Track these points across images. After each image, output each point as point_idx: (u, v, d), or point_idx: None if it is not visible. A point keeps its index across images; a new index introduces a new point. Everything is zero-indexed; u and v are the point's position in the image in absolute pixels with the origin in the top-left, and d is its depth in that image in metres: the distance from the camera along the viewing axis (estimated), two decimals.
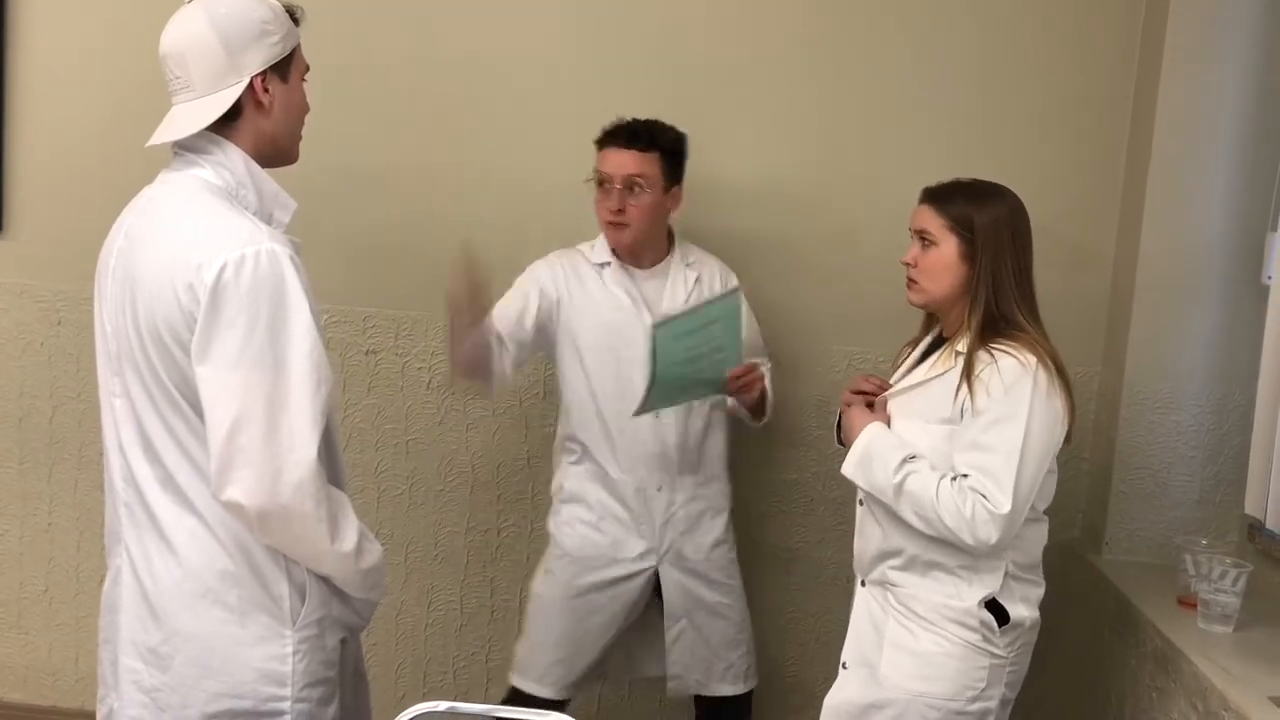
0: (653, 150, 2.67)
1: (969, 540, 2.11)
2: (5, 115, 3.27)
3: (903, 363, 2.39)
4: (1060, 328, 3.03)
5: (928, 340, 2.34)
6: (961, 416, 2.15)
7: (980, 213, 2.20)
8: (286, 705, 1.87)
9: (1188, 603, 2.58)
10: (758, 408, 2.79)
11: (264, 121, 1.90)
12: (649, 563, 2.77)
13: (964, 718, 2.19)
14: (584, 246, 2.81)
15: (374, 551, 1.93)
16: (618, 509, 2.76)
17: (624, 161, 2.66)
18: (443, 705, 1.86)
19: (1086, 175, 3.08)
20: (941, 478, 2.14)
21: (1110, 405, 3.02)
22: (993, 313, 2.18)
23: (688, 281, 2.77)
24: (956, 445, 2.15)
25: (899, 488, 2.16)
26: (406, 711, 1.84)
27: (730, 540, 2.88)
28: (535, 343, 2.76)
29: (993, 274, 2.19)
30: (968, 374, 2.15)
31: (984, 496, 2.10)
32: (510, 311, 2.70)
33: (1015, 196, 2.26)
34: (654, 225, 2.72)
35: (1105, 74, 3.05)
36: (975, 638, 2.19)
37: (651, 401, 2.56)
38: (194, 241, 1.79)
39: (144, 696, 1.90)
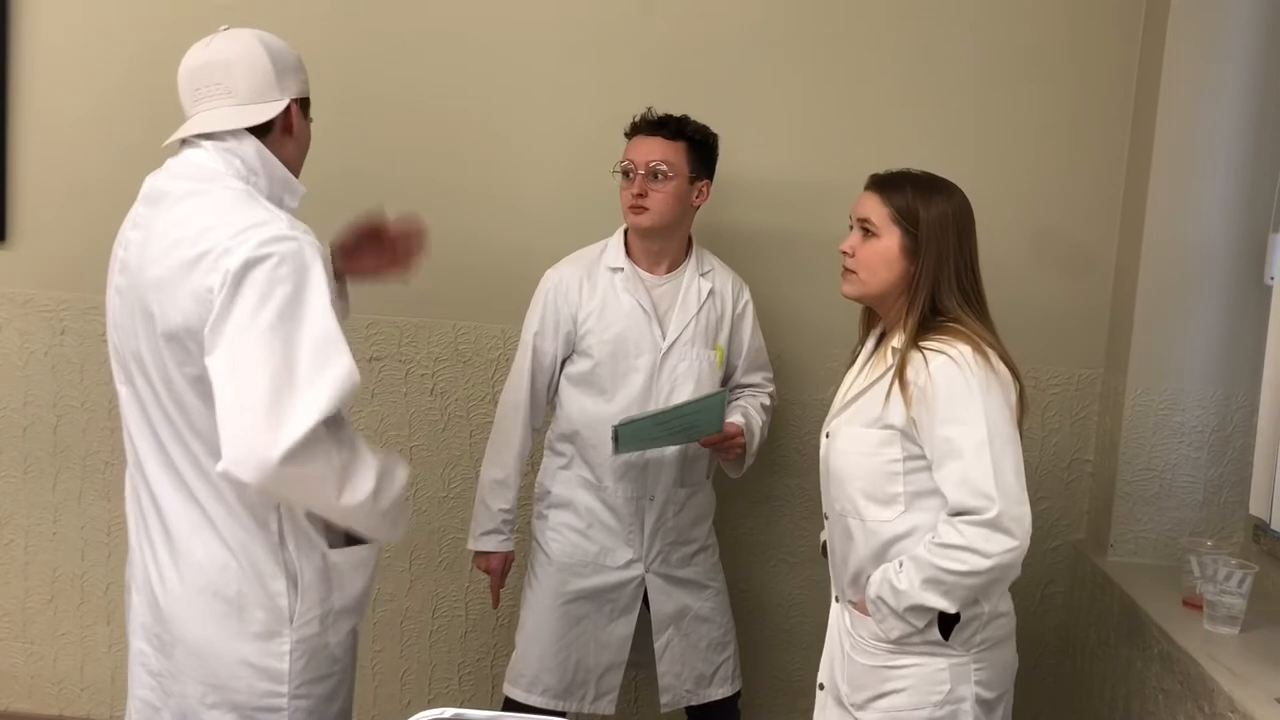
0: (679, 139, 2.68)
1: (990, 562, 1.97)
2: (8, 124, 3.27)
3: (850, 364, 2.30)
4: (1063, 330, 3.07)
5: (872, 343, 2.25)
6: (896, 425, 2.07)
7: (927, 208, 2.11)
8: (284, 702, 1.89)
9: (1193, 604, 2.58)
10: (734, 462, 2.80)
11: (288, 144, 1.98)
12: (636, 571, 2.77)
13: None
14: (599, 246, 2.80)
15: (392, 488, 1.92)
16: (608, 517, 2.75)
17: (649, 148, 2.67)
18: (449, 712, 1.86)
19: (1088, 176, 3.08)
20: (923, 543, 2.04)
21: (1114, 407, 3.02)
22: (925, 309, 2.09)
23: (700, 293, 2.75)
24: (931, 466, 2.05)
25: (915, 598, 2.02)
26: (413, 718, 1.83)
27: (713, 544, 2.89)
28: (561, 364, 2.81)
29: (935, 273, 2.09)
30: (900, 376, 2.07)
31: (968, 513, 1.99)
32: (537, 387, 2.78)
33: (962, 193, 2.17)
34: (675, 214, 2.69)
35: (1107, 75, 3.05)
36: (923, 648, 2.09)
37: (618, 452, 2.64)
38: (212, 234, 1.80)
39: (151, 680, 1.93)
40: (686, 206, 2.71)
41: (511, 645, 2.86)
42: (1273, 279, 2.76)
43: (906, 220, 2.11)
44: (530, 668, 2.78)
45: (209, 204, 1.85)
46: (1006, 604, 2.16)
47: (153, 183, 1.95)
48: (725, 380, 2.84)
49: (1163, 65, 2.86)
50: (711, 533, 2.89)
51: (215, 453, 1.78)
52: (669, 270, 2.76)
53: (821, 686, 2.27)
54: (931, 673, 2.08)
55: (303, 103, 2.01)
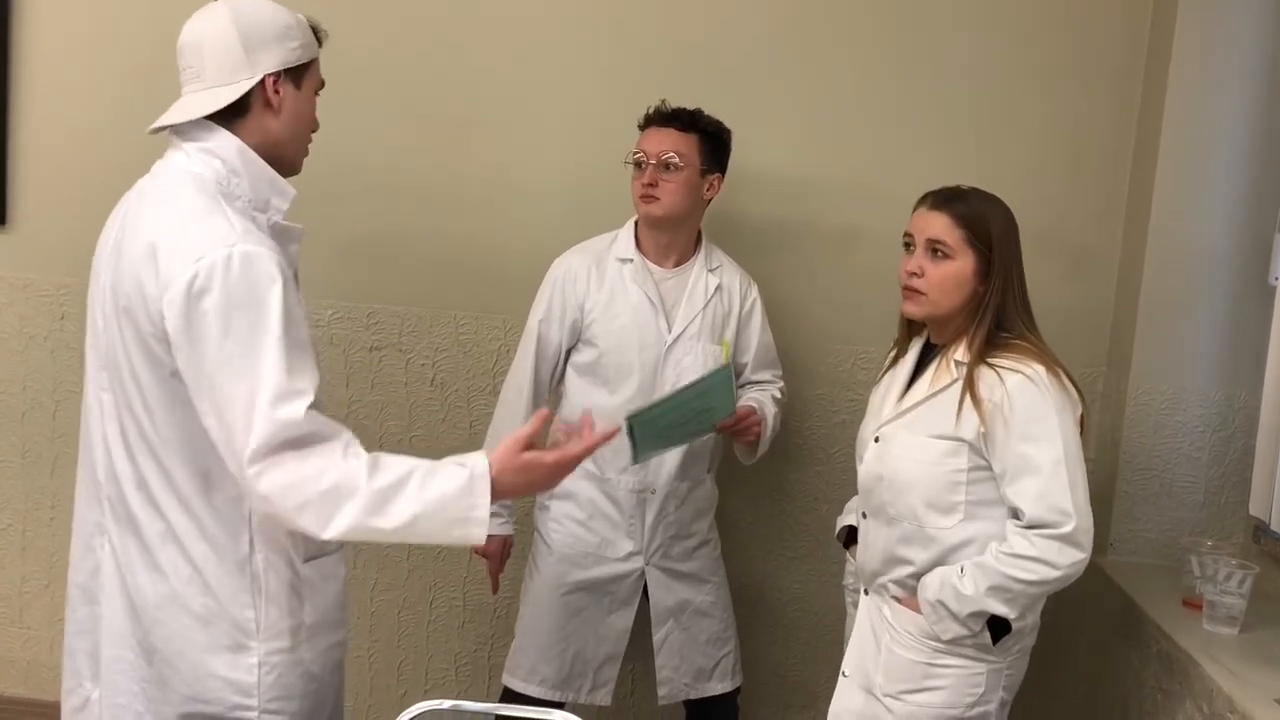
0: (691, 131, 2.68)
1: (1059, 573, 2.06)
2: (8, 108, 3.26)
3: (889, 368, 2.35)
4: (1066, 329, 3.05)
5: (917, 349, 2.30)
6: (967, 438, 2.12)
7: (995, 227, 2.15)
8: (254, 715, 1.87)
9: (1193, 604, 2.57)
10: (751, 446, 2.78)
11: (271, 122, 1.89)
12: (636, 564, 2.77)
13: None
14: (608, 237, 2.80)
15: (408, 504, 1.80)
16: (610, 509, 2.75)
17: (661, 139, 2.67)
18: (446, 703, 1.86)
19: (1093, 176, 3.07)
20: (990, 551, 2.10)
21: (1115, 406, 3.02)
22: (990, 325, 2.14)
23: (708, 289, 2.75)
24: (1001, 479, 2.11)
25: (979, 604, 2.09)
26: (410, 709, 1.83)
27: (714, 539, 2.88)
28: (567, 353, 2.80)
29: (1003, 292, 2.15)
30: (971, 391, 2.11)
31: (1044, 526, 2.06)
32: (540, 375, 2.76)
33: (1005, 204, 2.22)
34: (686, 206, 2.69)
35: (1112, 76, 3.04)
36: (970, 651, 2.16)
37: (639, 457, 2.52)
38: (166, 245, 1.76)
39: (135, 686, 1.91)
40: (697, 199, 2.71)
41: (509, 635, 2.86)
42: (1277, 280, 2.76)
43: (981, 242, 2.15)
44: (529, 658, 2.78)
45: (168, 213, 1.81)
46: (1038, 617, 2.26)
47: (139, 185, 1.93)
48: (735, 378, 2.82)
49: (1169, 66, 2.85)
50: (713, 528, 2.88)
51: (180, 461, 1.80)
52: (677, 264, 2.76)
53: (845, 675, 2.31)
54: (971, 675, 2.17)
55: (296, 71, 1.90)
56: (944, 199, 2.19)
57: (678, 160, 2.65)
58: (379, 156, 3.19)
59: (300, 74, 1.92)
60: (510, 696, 2.79)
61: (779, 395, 2.88)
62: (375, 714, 3.38)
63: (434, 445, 3.28)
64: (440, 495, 1.77)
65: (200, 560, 1.84)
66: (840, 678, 2.32)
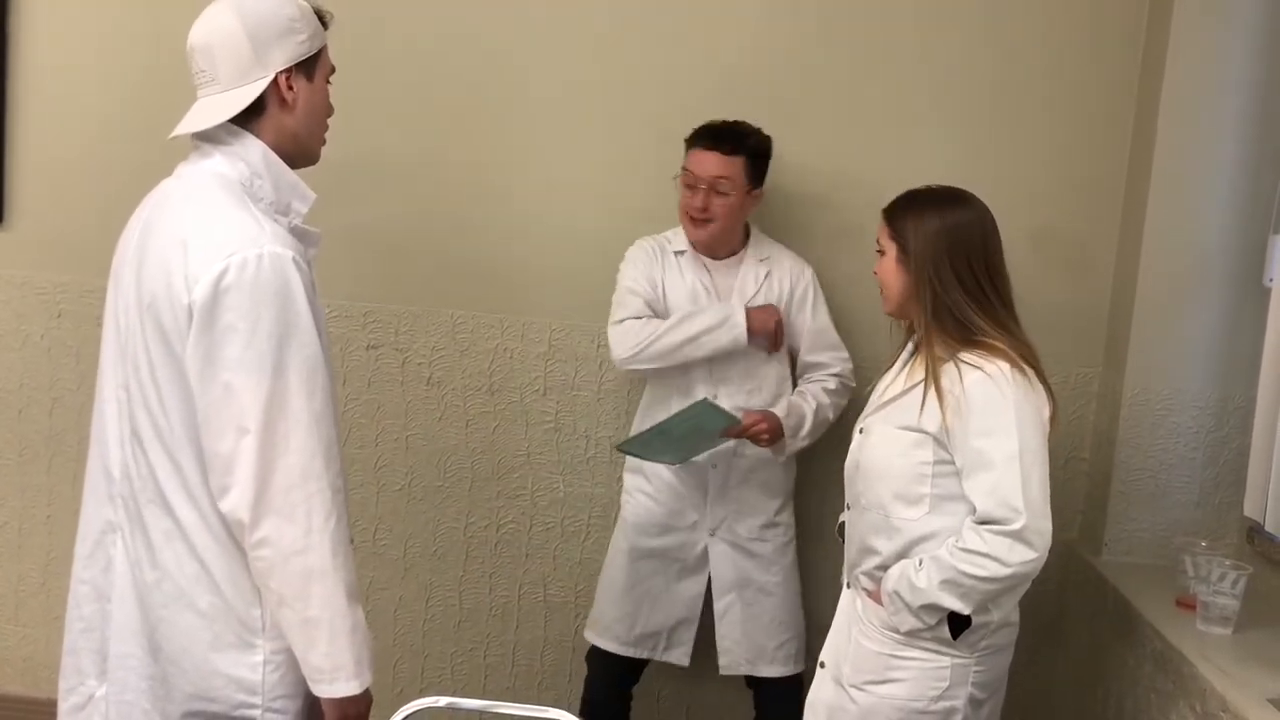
0: (739, 154, 2.76)
1: (1008, 570, 2.06)
2: (6, 107, 3.26)
3: (890, 365, 2.38)
4: (1061, 328, 3.06)
5: (909, 349, 2.33)
6: (930, 431, 2.13)
7: (918, 219, 2.18)
8: (257, 714, 1.87)
9: (1187, 604, 2.58)
10: (771, 447, 2.83)
11: (287, 118, 1.90)
12: (701, 534, 2.88)
13: (927, 717, 2.17)
14: (670, 233, 2.91)
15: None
16: (674, 480, 2.87)
17: (710, 163, 2.75)
18: (442, 701, 1.86)
19: (1089, 176, 3.08)
20: (946, 545, 2.11)
21: (1110, 406, 3.02)
22: (947, 322, 2.16)
23: (758, 276, 2.87)
24: (961, 474, 2.12)
25: (931, 597, 2.10)
26: (405, 707, 1.84)
27: (785, 524, 2.95)
28: None
29: (934, 282, 2.15)
30: (936, 385, 2.14)
31: (994, 522, 2.07)
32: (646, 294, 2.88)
33: (975, 202, 2.21)
34: (733, 224, 2.82)
35: (1109, 75, 3.04)
36: (931, 645, 2.17)
37: (655, 460, 2.84)
38: (195, 241, 1.78)
39: (142, 683, 1.91)
40: (742, 214, 2.83)
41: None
42: (1272, 280, 2.76)
43: (898, 233, 2.21)
44: (604, 617, 2.97)
45: (196, 213, 1.82)
46: (1015, 615, 2.26)
47: (162, 186, 1.94)
48: (792, 361, 2.93)
49: (1165, 64, 2.86)
50: (784, 511, 2.95)
51: (191, 456, 1.80)
52: (728, 256, 2.88)
53: (822, 665, 2.34)
54: (934, 669, 2.17)
55: (306, 64, 1.91)
56: (891, 203, 2.28)
57: (726, 185, 2.74)
58: (378, 155, 3.19)
59: (311, 66, 1.93)
60: (592, 653, 3.00)
61: (833, 385, 2.91)
62: (371, 711, 3.38)
63: (429, 444, 3.28)
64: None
65: (209, 556, 1.84)
66: (819, 668, 2.35)
